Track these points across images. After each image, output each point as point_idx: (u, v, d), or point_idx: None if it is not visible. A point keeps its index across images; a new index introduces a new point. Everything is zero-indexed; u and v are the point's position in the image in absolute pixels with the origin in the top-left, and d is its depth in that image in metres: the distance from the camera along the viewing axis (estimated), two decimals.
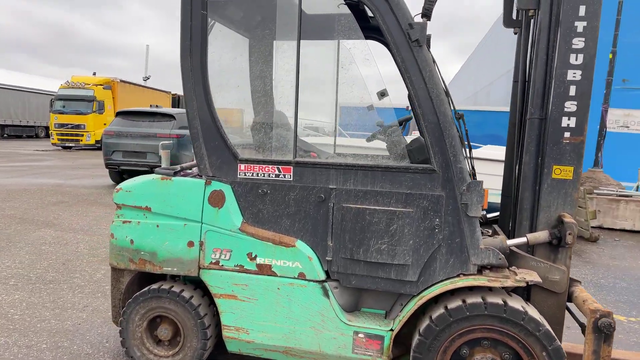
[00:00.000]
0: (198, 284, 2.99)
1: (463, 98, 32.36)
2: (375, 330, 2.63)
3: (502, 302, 2.38)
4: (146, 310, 2.94)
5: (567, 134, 2.53)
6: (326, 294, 2.68)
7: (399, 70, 2.54)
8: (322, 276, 2.69)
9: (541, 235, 2.57)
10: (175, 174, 2.93)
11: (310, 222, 2.70)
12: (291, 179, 2.72)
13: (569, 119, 2.52)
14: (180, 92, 25.74)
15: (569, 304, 2.68)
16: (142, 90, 26.13)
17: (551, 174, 2.56)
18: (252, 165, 2.78)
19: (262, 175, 2.76)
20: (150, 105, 13.32)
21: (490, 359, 2.43)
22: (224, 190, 2.80)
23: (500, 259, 2.50)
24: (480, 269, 2.54)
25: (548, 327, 2.35)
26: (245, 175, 2.79)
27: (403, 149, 2.97)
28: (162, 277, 3.09)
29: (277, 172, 2.74)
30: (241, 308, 2.80)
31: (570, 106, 2.51)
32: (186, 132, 11.14)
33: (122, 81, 23.42)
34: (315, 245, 2.70)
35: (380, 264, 2.60)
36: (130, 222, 2.94)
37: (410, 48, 2.49)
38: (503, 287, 2.49)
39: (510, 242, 2.61)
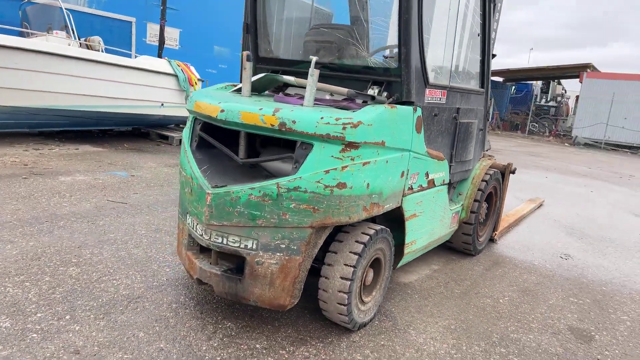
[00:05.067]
0: None
1: None
2: (458, 209, 3.69)
3: (500, 169, 4.09)
4: (367, 260, 2.56)
5: None
6: (448, 192, 3.43)
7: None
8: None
9: None
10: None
11: (448, 137, 3.26)
12: (445, 101, 3.11)
13: None
14: None
15: None
16: None
17: None
18: (434, 90, 2.91)
19: (435, 99, 2.97)
20: None
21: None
22: (421, 115, 2.80)
23: (490, 146, 4.13)
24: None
25: None
26: (428, 100, 2.89)
27: None
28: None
29: (440, 95, 3.04)
30: (416, 223, 3.04)
31: None
32: None
33: None
34: (447, 155, 3.31)
35: (466, 161, 3.61)
36: (369, 162, 2.35)
37: None
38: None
39: None
